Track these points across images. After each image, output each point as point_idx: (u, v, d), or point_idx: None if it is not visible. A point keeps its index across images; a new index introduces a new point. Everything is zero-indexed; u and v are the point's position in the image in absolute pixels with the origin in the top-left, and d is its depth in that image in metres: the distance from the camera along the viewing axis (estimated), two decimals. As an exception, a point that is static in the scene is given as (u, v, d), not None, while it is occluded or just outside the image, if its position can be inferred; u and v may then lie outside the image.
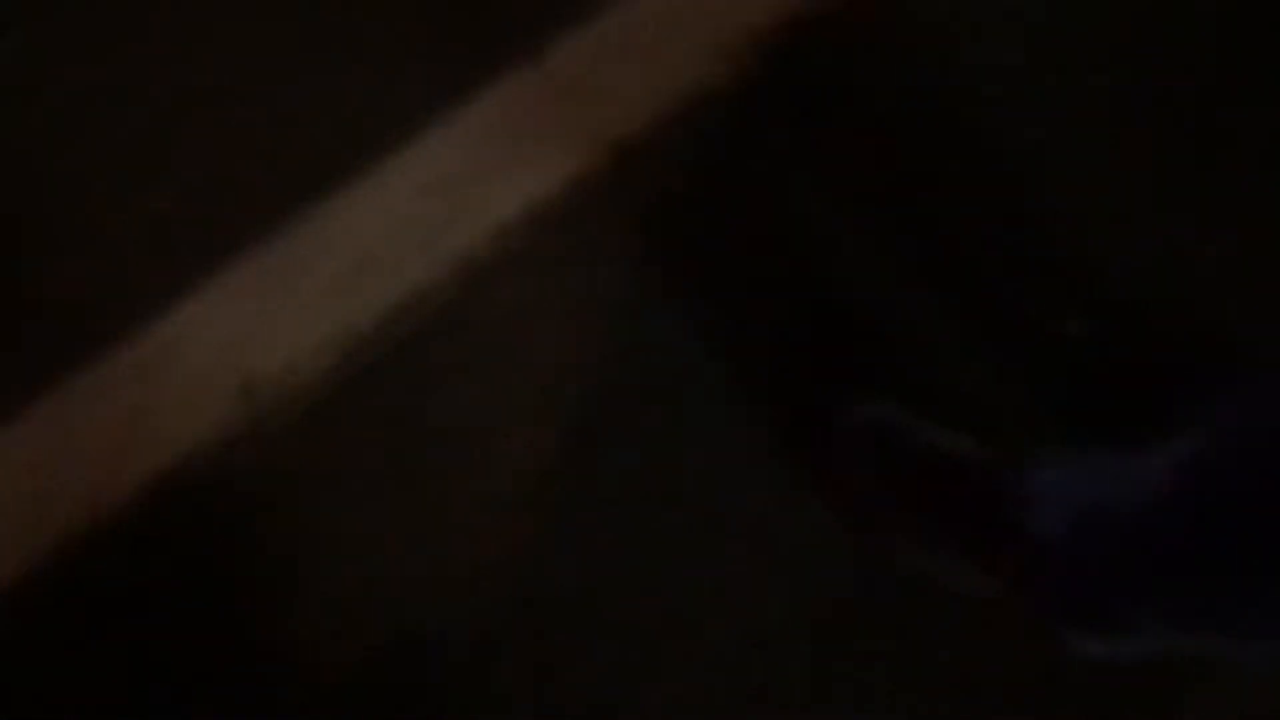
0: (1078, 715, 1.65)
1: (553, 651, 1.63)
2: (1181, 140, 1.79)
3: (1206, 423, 1.29)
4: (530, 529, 1.66)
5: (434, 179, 1.72)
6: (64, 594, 1.61)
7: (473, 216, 1.72)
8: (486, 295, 1.70)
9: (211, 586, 1.62)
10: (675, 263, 1.72)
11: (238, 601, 1.62)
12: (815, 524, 1.67)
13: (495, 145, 1.73)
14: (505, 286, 1.70)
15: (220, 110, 1.71)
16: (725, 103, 1.76)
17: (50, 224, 1.68)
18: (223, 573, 1.63)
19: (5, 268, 1.67)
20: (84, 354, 1.65)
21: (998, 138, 1.77)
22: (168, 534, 1.63)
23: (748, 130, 1.76)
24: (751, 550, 1.67)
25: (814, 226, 1.74)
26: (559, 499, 1.67)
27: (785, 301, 1.72)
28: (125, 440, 1.64)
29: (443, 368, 1.68)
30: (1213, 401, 1.31)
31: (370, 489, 1.66)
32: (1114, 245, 1.75)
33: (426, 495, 1.66)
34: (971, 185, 1.76)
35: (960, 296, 1.73)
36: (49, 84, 1.71)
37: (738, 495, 1.67)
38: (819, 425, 1.66)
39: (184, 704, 1.60)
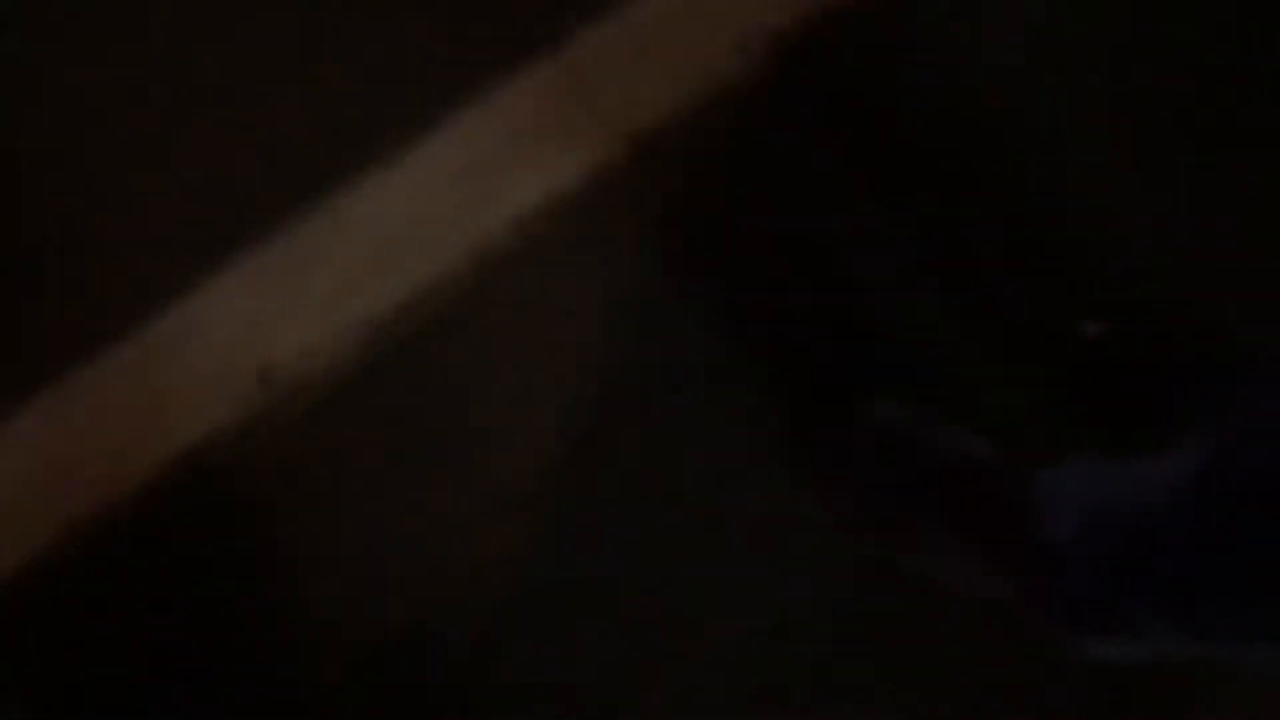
0: (1081, 717, 1.65)
1: (553, 651, 1.63)
2: (1186, 140, 1.79)
3: (1217, 425, 1.29)
4: (530, 529, 1.66)
5: (452, 170, 1.73)
6: (70, 581, 1.61)
7: (490, 208, 1.72)
8: (502, 287, 1.70)
9: (214, 579, 1.62)
10: (689, 257, 1.72)
11: (237, 600, 1.62)
12: (816, 524, 1.67)
13: (514, 138, 1.74)
14: (521, 278, 1.71)
15: (240, 97, 1.71)
16: (741, 99, 1.77)
17: (59, 215, 1.68)
18: (226, 566, 1.63)
19: (17, 256, 1.67)
20: (100, 341, 1.65)
21: (1012, 137, 1.78)
22: (177, 523, 1.63)
23: (763, 126, 1.76)
24: (752, 550, 1.66)
25: (827, 223, 1.74)
26: (559, 499, 1.67)
27: (797, 298, 1.72)
28: (142, 426, 1.64)
29: (455, 359, 1.68)
30: (1223, 404, 1.31)
31: (371, 488, 1.66)
32: (1126, 247, 1.75)
33: (429, 493, 1.66)
34: (985, 185, 1.76)
35: (971, 297, 1.73)
36: (49, 84, 1.71)
37: (738, 495, 1.67)
38: (828, 424, 1.66)
39: (184, 701, 1.60)
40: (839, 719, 1.64)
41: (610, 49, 1.77)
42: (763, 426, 1.69)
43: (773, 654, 1.64)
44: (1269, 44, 1.82)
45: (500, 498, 1.66)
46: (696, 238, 1.74)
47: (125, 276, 1.67)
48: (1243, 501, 1.23)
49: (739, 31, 1.78)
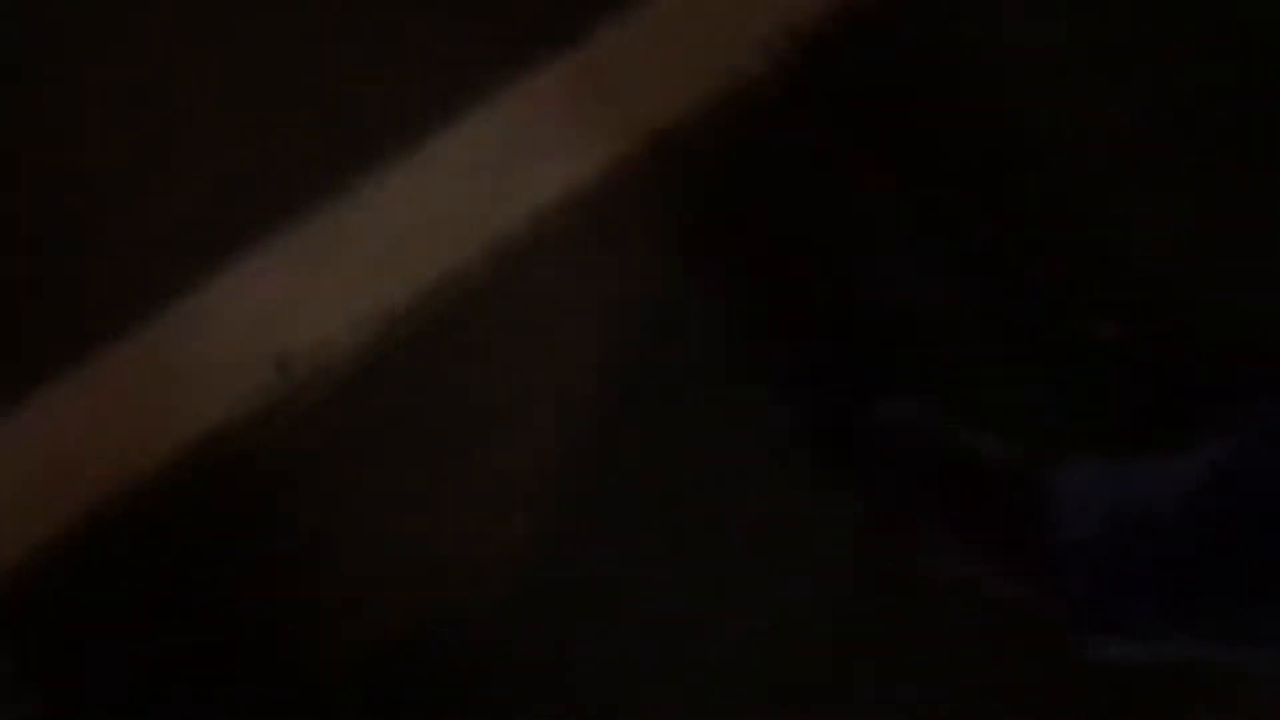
0: (1081, 717, 1.65)
1: (554, 650, 1.63)
2: (1207, 141, 1.79)
3: (1236, 426, 1.29)
4: (532, 527, 1.66)
5: (472, 162, 1.73)
6: (70, 581, 1.61)
7: (509, 201, 1.72)
8: (519, 279, 1.70)
9: (214, 579, 1.63)
10: (705, 254, 1.72)
11: (237, 600, 1.62)
12: (819, 524, 1.67)
13: (533, 131, 1.74)
14: (538, 271, 1.71)
15: (262, 81, 1.72)
16: (762, 95, 1.77)
17: (60, 215, 1.69)
18: (226, 566, 1.63)
19: (29, 248, 1.67)
20: (101, 341, 1.66)
21: (1033, 137, 1.77)
22: (177, 523, 1.63)
23: (782, 124, 1.77)
24: (752, 550, 1.66)
25: (846, 221, 1.74)
26: (561, 498, 1.67)
27: (815, 295, 1.72)
28: (149, 421, 1.64)
29: (469, 352, 1.69)
30: (1242, 405, 1.31)
31: (375, 484, 1.66)
32: (1143, 248, 1.75)
33: (430, 491, 1.66)
34: (1005, 185, 1.76)
35: (985, 297, 1.73)
36: (49, 84, 1.71)
37: (738, 495, 1.67)
38: (845, 422, 1.66)
39: (185, 700, 1.60)
40: (839, 719, 1.64)
41: (630, 46, 1.77)
42: (764, 427, 1.69)
43: (773, 654, 1.64)
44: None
45: (501, 497, 1.66)
46: (714, 235, 1.74)
47: (144, 265, 1.68)
48: (1253, 504, 1.23)
49: (759, 29, 1.78)
